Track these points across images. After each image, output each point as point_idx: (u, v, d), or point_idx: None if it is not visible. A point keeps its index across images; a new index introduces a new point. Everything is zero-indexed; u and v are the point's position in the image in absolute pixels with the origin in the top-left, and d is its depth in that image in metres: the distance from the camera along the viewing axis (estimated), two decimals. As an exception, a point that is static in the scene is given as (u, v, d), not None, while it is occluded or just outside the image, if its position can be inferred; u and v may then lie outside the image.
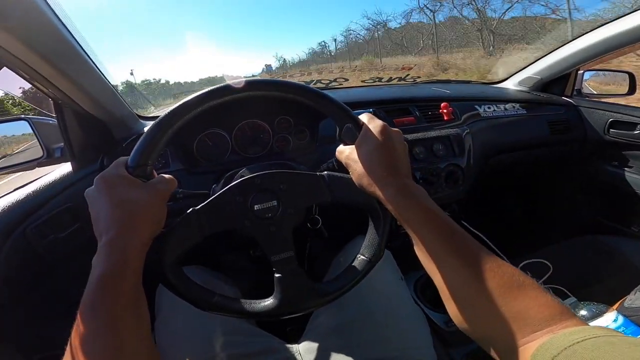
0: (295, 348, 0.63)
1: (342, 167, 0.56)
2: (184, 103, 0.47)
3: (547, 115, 1.28)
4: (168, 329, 0.62)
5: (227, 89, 0.49)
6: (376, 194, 0.47)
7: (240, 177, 0.59)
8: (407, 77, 1.36)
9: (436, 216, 0.43)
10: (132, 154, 0.47)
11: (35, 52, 0.57)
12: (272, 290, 0.48)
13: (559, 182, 1.48)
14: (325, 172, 0.52)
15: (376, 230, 0.51)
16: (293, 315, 0.49)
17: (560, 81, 1.40)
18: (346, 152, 0.51)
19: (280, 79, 0.56)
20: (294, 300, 0.48)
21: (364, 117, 0.51)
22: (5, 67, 0.60)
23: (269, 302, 0.48)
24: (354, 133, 0.50)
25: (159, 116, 1.04)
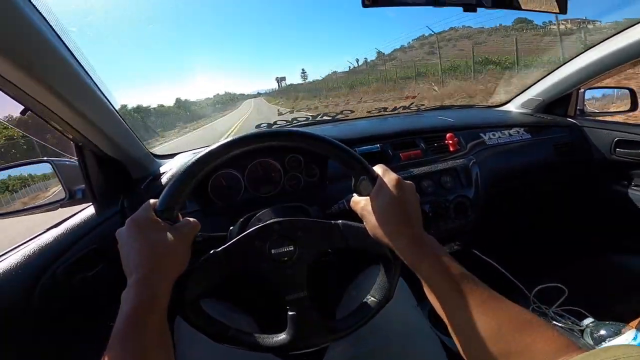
0: None
1: (352, 209, 0.59)
2: (210, 151, 0.52)
3: (551, 138, 1.29)
4: None
5: (252, 139, 0.53)
6: (389, 244, 0.49)
7: (258, 221, 0.62)
8: (411, 106, 1.38)
9: (446, 264, 0.45)
10: (160, 198, 0.50)
11: (57, 96, 0.62)
12: (285, 323, 0.51)
13: (568, 204, 1.48)
14: (341, 221, 0.54)
15: (387, 275, 0.54)
16: (305, 351, 0.51)
17: (562, 101, 1.41)
18: (361, 204, 0.54)
19: (299, 129, 0.60)
20: (305, 336, 0.51)
21: (379, 170, 0.54)
22: (29, 112, 0.65)
23: (281, 337, 0.50)
24: (369, 185, 0.53)
25: (175, 154, 1.07)
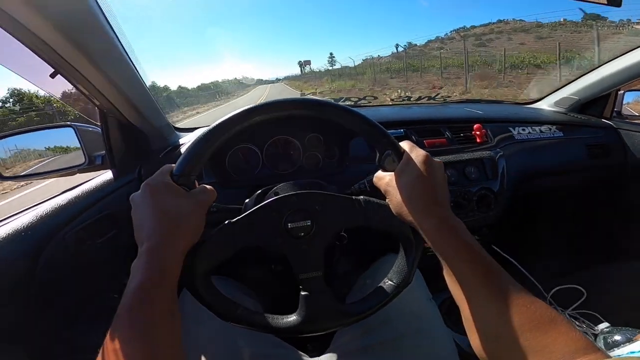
0: None
1: (373, 190, 0.56)
2: (230, 117, 0.49)
3: (585, 138, 1.23)
4: (190, 338, 0.63)
5: (274, 106, 0.50)
6: (414, 223, 0.47)
7: (275, 194, 0.60)
8: (437, 97, 1.34)
9: (474, 252, 0.43)
10: (178, 162, 0.48)
11: (91, 62, 0.61)
12: (291, 305, 0.49)
13: (596, 207, 1.42)
14: (362, 197, 0.52)
15: (407, 257, 0.51)
16: (315, 334, 0.49)
17: (598, 102, 1.35)
18: (386, 179, 0.51)
19: (321, 98, 0.57)
20: (317, 318, 0.48)
21: (405, 145, 0.51)
22: (59, 75, 0.65)
23: (292, 318, 0.48)
24: (395, 160, 0.50)
25: (195, 128, 1.07)
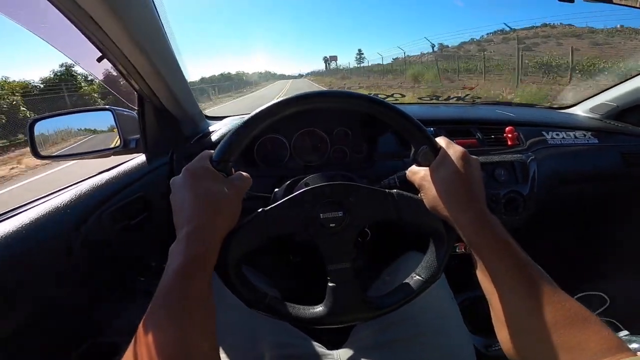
0: (336, 355, 0.63)
1: (404, 185, 0.56)
2: (271, 105, 0.50)
3: (620, 146, 1.18)
4: None
5: (315, 96, 0.51)
6: (449, 218, 0.47)
7: (305, 185, 0.60)
8: (466, 98, 1.30)
9: (510, 247, 0.42)
10: (217, 149, 0.49)
11: (137, 45, 0.63)
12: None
13: (626, 216, 1.37)
14: (395, 191, 0.52)
15: (437, 253, 0.51)
16: (341, 326, 0.49)
17: (637, 110, 1.28)
18: (421, 174, 0.51)
19: (356, 92, 0.57)
20: (344, 310, 0.48)
21: (442, 141, 0.51)
22: (105, 59, 0.67)
23: (318, 309, 0.48)
24: (430, 155, 0.50)
25: (224, 116, 1.10)
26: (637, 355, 0.31)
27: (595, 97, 1.37)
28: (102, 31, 0.56)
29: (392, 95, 1.35)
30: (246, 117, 0.50)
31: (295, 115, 0.51)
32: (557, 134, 1.10)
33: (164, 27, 0.69)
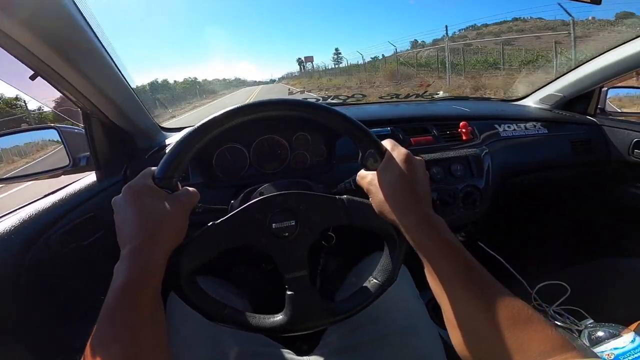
0: None
1: (359, 188, 0.57)
2: (212, 118, 0.49)
3: (569, 134, 1.25)
4: (179, 338, 0.63)
5: (256, 107, 0.50)
6: (396, 222, 0.47)
7: (260, 195, 0.60)
8: (424, 94, 1.34)
9: (455, 249, 0.43)
10: (159, 165, 0.48)
11: (70, 64, 0.60)
12: (282, 304, 0.49)
13: (580, 203, 1.44)
14: (345, 196, 0.52)
15: (391, 255, 0.52)
16: (301, 333, 0.49)
17: (583, 99, 1.36)
18: (368, 178, 0.51)
19: (305, 99, 0.57)
20: (303, 318, 0.48)
21: (387, 144, 0.52)
22: (39, 77, 0.64)
23: (278, 318, 0.48)
24: (377, 159, 0.51)
25: (181, 127, 1.07)
26: (580, 354, 0.32)
27: (544, 88, 1.44)
28: (28, 51, 0.53)
29: (353, 96, 1.36)
30: (188, 131, 0.49)
31: (251, 123, 0.50)
32: (509, 126, 1.15)
33: (100, 41, 0.66)
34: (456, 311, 0.40)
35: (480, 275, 0.41)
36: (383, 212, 0.49)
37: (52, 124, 0.88)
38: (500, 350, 0.35)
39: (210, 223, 0.49)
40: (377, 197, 0.49)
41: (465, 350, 0.40)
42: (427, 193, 0.49)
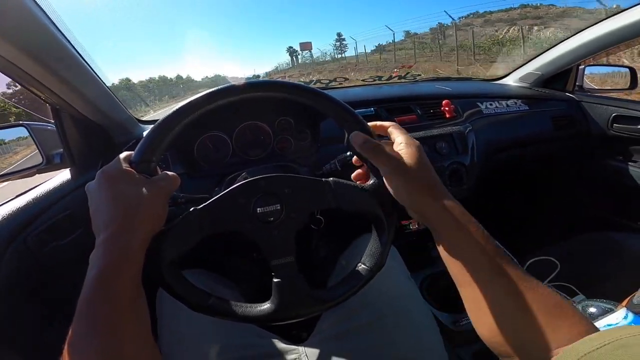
0: (301, 350, 0.62)
1: (344, 169, 0.55)
2: (190, 101, 0.47)
3: (550, 110, 1.27)
4: (171, 334, 0.61)
5: (235, 89, 0.48)
6: (416, 205, 0.45)
7: (243, 179, 0.58)
8: (407, 75, 1.34)
9: (484, 235, 0.42)
10: (137, 149, 0.45)
11: (29, 56, 0.57)
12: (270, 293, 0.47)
13: (564, 178, 1.47)
14: (332, 179, 0.50)
15: (379, 239, 0.50)
16: (290, 321, 0.47)
17: (561, 77, 1.39)
18: (386, 149, 0.47)
19: (286, 80, 0.55)
20: (290, 305, 0.47)
21: (394, 130, 0.50)
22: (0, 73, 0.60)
23: (265, 306, 0.47)
24: None
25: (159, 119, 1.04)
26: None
27: (523, 67, 1.46)
28: None
29: (335, 80, 1.35)
30: (167, 114, 0.47)
31: (232, 110, 0.48)
32: (491, 104, 1.16)
33: (64, 35, 0.63)
34: (485, 295, 0.39)
35: (507, 259, 0.40)
36: (404, 196, 0.46)
37: (20, 121, 0.84)
38: (531, 335, 0.35)
39: (192, 208, 0.46)
40: (398, 174, 0.46)
41: (492, 336, 0.39)
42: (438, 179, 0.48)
